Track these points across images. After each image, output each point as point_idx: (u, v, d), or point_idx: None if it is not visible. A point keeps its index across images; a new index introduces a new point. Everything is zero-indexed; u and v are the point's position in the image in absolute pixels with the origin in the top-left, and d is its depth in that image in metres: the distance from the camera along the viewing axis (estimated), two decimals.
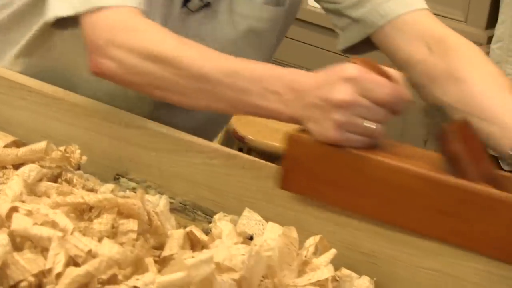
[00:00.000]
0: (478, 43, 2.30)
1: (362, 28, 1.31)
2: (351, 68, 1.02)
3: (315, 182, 1.07)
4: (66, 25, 1.21)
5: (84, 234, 0.89)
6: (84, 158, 1.13)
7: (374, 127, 1.02)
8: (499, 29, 2.23)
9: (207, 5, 1.33)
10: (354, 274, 0.98)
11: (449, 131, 1.00)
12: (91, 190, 1.07)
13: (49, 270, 0.83)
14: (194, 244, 0.96)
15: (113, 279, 0.83)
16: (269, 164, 1.13)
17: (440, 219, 0.99)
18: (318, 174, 1.07)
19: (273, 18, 1.37)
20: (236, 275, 0.84)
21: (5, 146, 1.11)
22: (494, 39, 2.26)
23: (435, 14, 2.39)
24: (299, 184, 1.09)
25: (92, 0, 1.15)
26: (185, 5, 1.33)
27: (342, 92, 1.00)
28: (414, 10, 1.29)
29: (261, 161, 1.15)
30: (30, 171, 1.05)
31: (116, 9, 1.15)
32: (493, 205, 0.96)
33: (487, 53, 2.25)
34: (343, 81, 1.01)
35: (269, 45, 1.43)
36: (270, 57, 1.47)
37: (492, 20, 2.28)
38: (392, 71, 1.05)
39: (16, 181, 1.01)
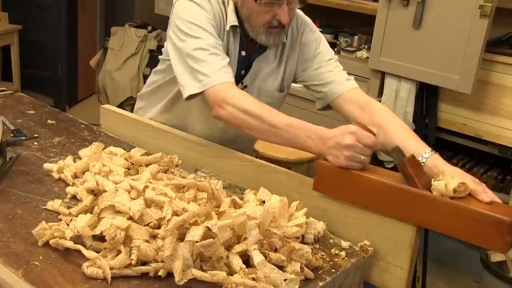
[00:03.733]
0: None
1: (326, 99, 1.25)
2: (352, 127, 0.96)
3: (333, 187, 0.99)
4: (192, 96, 1.12)
5: (180, 199, 0.89)
6: (180, 161, 1.13)
7: (363, 158, 0.96)
8: (384, 96, 2.22)
9: (245, 87, 1.26)
10: (316, 220, 0.97)
11: (405, 162, 0.92)
12: (183, 177, 1.07)
13: (163, 218, 0.84)
14: (235, 205, 0.95)
15: (195, 223, 0.83)
16: (271, 164, 1.11)
17: (397, 207, 0.92)
18: (335, 183, 0.99)
19: (279, 97, 1.30)
20: (257, 221, 0.83)
21: (141, 155, 1.10)
22: (381, 101, 2.25)
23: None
24: (325, 188, 1.01)
25: (210, 82, 1.08)
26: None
27: (348, 139, 0.95)
28: (351, 89, 1.23)
29: (268, 163, 1.12)
30: (153, 167, 1.05)
31: (223, 84, 1.08)
32: (428, 200, 0.89)
33: None
34: (348, 133, 0.95)
35: (277, 109, 1.28)
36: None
37: (381, 92, 2.28)
38: (374, 129, 0.99)
39: (146, 173, 1.02)
